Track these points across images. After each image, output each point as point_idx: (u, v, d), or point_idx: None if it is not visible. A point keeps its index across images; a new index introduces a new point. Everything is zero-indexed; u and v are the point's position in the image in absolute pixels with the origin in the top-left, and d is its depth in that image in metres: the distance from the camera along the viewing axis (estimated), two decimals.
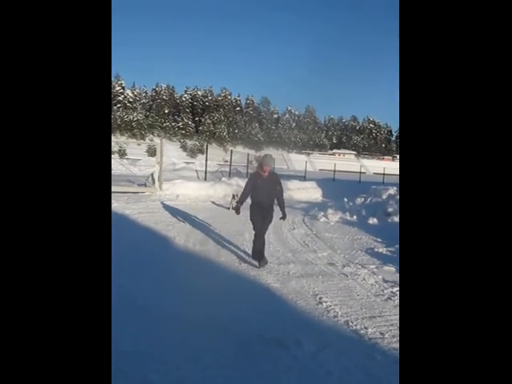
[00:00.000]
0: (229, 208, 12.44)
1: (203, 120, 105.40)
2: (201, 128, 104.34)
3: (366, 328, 3.79)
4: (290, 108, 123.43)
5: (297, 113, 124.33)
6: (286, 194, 18.85)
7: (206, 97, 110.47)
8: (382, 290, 5.01)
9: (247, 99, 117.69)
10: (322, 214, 11.30)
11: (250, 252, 6.55)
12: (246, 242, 7.56)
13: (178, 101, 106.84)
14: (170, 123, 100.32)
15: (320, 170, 71.06)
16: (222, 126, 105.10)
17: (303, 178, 27.09)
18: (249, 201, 6.35)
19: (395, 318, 4.07)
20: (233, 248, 6.86)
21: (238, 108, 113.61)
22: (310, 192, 20.64)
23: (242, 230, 8.68)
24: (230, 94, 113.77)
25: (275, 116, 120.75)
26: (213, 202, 13.72)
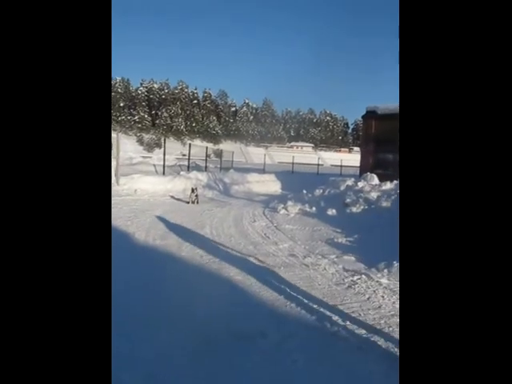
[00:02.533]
0: (188, 202, 12.34)
1: (160, 113, 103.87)
2: (157, 122, 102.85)
3: (328, 316, 3.85)
4: (247, 101, 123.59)
5: (254, 106, 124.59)
6: (245, 187, 19.02)
7: (163, 90, 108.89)
8: (343, 279, 5.11)
9: (204, 92, 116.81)
10: (282, 206, 11.39)
11: (211, 245, 6.54)
12: (207, 235, 7.54)
13: (133, 94, 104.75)
14: (126, 117, 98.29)
15: (279, 162, 71.51)
16: (180, 119, 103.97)
17: (262, 170, 27.21)
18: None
19: (356, 306, 4.18)
20: (193, 242, 6.80)
21: (196, 101, 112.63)
22: (270, 185, 20.82)
23: (202, 224, 8.64)
24: (187, 87, 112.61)
25: (233, 109, 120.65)
26: (172, 197, 13.57)
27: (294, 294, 4.40)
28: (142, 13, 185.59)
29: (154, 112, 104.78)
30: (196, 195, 12.57)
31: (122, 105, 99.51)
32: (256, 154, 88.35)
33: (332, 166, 63.78)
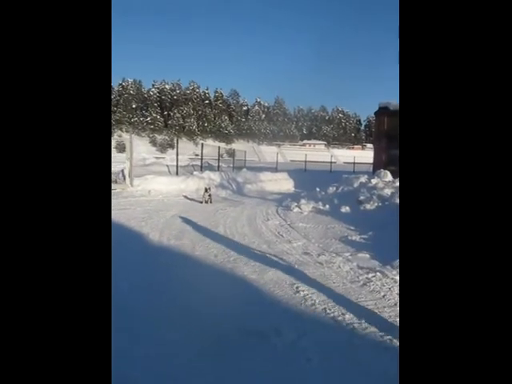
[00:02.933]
0: (201, 202, 12.37)
1: (172, 114, 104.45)
2: (170, 122, 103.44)
3: (343, 314, 3.84)
4: (259, 100, 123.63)
5: (266, 104, 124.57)
6: (258, 186, 19.03)
7: (174, 90, 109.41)
8: (358, 277, 5.08)
9: (216, 92, 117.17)
10: (295, 204, 11.37)
11: (225, 245, 6.56)
12: (221, 234, 7.56)
13: (145, 95, 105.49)
14: (139, 118, 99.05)
15: (291, 160, 71.38)
16: (192, 119, 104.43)
17: (275, 169, 27.19)
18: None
19: (371, 303, 4.15)
20: (208, 241, 6.83)
21: (207, 101, 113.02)
22: (282, 183, 20.80)
23: (215, 224, 8.67)
24: (199, 87, 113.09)
25: (245, 108, 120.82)
26: (185, 197, 13.63)
27: (309, 293, 4.39)
28: (154, 14, 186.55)
29: (166, 113, 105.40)
30: (209, 195, 12.61)
31: (134, 106, 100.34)
32: (269, 152, 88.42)
33: (345, 163, 63.48)
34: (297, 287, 4.55)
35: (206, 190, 12.62)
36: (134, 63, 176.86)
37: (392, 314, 3.89)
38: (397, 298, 4.31)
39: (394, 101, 23.77)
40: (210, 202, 12.40)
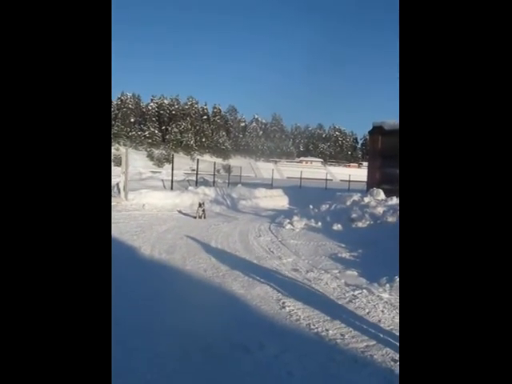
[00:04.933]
0: (195, 217, 12.43)
1: (170, 129, 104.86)
2: (167, 137, 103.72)
3: (327, 330, 3.90)
4: (256, 116, 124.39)
5: (264, 121, 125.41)
6: (252, 202, 19.06)
7: (173, 105, 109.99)
8: (344, 294, 5.16)
9: (214, 108, 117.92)
10: (288, 221, 11.45)
11: (215, 260, 6.63)
12: (212, 249, 7.62)
13: (143, 110, 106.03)
14: (136, 132, 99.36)
15: (288, 177, 71.62)
16: (189, 134, 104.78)
17: (270, 185, 27.31)
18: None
19: (355, 320, 4.22)
20: (199, 256, 6.89)
21: (205, 116, 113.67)
22: (277, 200, 20.88)
23: (208, 239, 8.73)
24: (197, 103, 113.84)
25: (242, 124, 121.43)
26: (179, 211, 13.70)
27: (294, 308, 4.45)
28: (153, 27, 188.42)
29: (164, 127, 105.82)
30: (203, 210, 12.64)
31: (132, 120, 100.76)
32: (265, 169, 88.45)
33: (341, 181, 63.67)
34: (283, 303, 4.62)
35: (200, 205, 12.62)
36: (133, 77, 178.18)
37: (373, 330, 3.96)
38: (381, 315, 4.39)
39: (388, 120, 24.02)
40: (204, 217, 12.45)
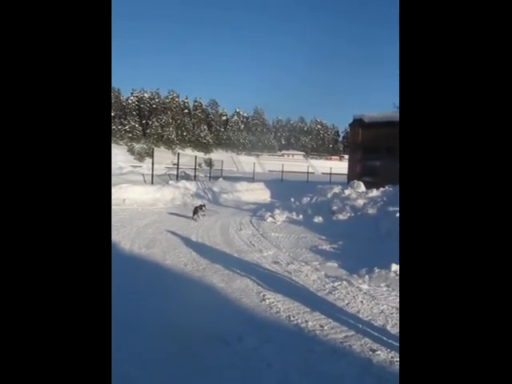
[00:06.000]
0: (195, 219, 10.85)
1: (150, 123, 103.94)
2: (148, 131, 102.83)
3: (306, 321, 3.93)
4: (238, 110, 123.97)
5: (245, 114, 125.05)
6: (234, 196, 19.05)
7: (153, 99, 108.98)
8: (324, 285, 5.19)
9: (195, 101, 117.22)
10: (269, 214, 11.47)
11: (196, 254, 6.61)
12: (192, 243, 7.59)
13: (124, 103, 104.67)
14: (117, 126, 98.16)
15: (269, 171, 71.80)
16: (170, 128, 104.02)
17: (252, 179, 27.29)
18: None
19: (335, 311, 4.26)
20: (179, 250, 6.86)
21: (186, 110, 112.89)
22: (259, 193, 20.89)
23: (188, 233, 8.70)
24: (178, 97, 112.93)
25: (224, 118, 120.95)
26: (161, 207, 13.61)
27: (274, 301, 4.47)
28: (132, 21, 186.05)
29: (144, 121, 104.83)
30: (203, 215, 11.05)
31: (112, 114, 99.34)
32: (247, 162, 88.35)
33: (323, 173, 63.99)
34: (263, 295, 4.63)
35: (201, 208, 10.99)
36: (113, 71, 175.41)
37: (352, 321, 4.00)
38: (360, 306, 4.43)
39: (368, 113, 24.25)
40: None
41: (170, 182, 17.51)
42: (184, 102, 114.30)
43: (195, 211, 10.93)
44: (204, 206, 11.02)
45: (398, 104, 10.46)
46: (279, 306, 4.33)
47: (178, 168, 21.15)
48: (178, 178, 19.97)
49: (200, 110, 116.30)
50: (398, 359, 3.23)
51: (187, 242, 7.72)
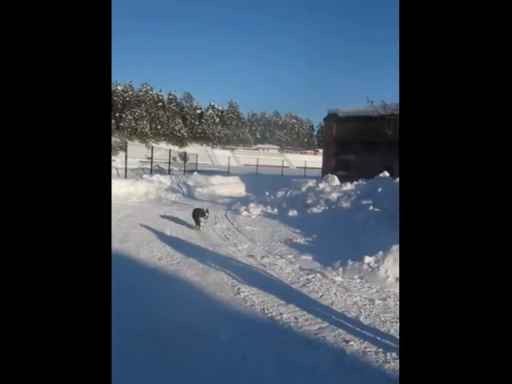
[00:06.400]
0: (197, 227, 8.70)
1: (124, 116, 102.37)
2: (122, 124, 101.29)
3: (281, 314, 3.95)
4: (213, 103, 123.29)
5: (220, 108, 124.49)
6: (209, 190, 18.95)
7: (127, 92, 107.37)
8: (298, 278, 5.23)
9: (170, 94, 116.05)
10: (244, 208, 11.47)
11: (169, 248, 6.56)
12: (167, 237, 7.53)
13: None
14: None
15: (244, 165, 71.77)
16: (144, 121, 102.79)
17: (227, 173, 27.23)
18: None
19: (309, 303, 4.29)
20: (153, 244, 6.80)
21: (161, 104, 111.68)
22: (234, 187, 20.87)
23: (162, 227, 8.62)
24: (152, 90, 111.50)
25: (198, 111, 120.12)
26: (134, 200, 13.44)
27: (249, 294, 4.47)
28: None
29: (117, 114, 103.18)
30: (205, 222, 8.83)
31: None
32: (222, 156, 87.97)
33: (298, 167, 64.30)
34: (238, 289, 4.63)
35: (204, 214, 8.62)
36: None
37: (326, 313, 4.04)
38: (333, 298, 4.48)
39: (342, 107, 24.47)
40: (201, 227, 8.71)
41: (144, 175, 17.29)
42: (158, 95, 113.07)
43: (196, 217, 8.70)
44: (207, 211, 8.84)
45: (371, 99, 10.53)
46: (254, 299, 4.34)
47: (152, 162, 20.92)
48: (152, 171, 19.74)
49: (174, 104, 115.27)
50: (390, 355, 3.29)
51: (161, 236, 7.66)
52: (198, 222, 8.58)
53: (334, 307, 4.23)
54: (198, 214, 8.66)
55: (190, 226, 8.89)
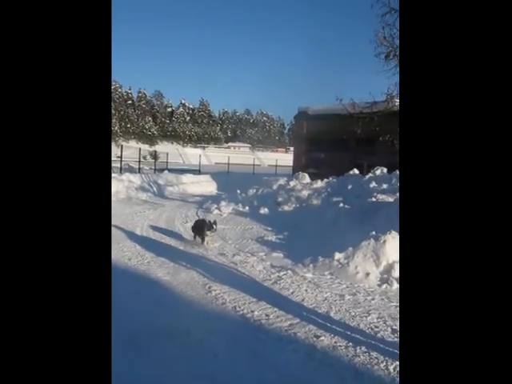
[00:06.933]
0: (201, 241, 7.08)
1: None
2: None
3: (252, 311, 3.97)
4: (183, 101, 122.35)
5: (191, 106, 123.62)
6: (180, 189, 18.83)
7: None
8: (269, 275, 5.26)
9: (139, 92, 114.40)
10: (215, 206, 11.45)
11: (140, 248, 6.49)
12: (137, 237, 7.45)
13: None
14: None
15: (216, 163, 71.47)
16: (113, 120, 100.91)
17: (198, 171, 27.09)
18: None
19: (280, 300, 4.32)
20: (123, 244, 6.71)
21: (130, 101, 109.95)
22: (205, 185, 20.80)
23: (133, 226, 8.52)
24: (121, 87, 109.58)
25: (169, 110, 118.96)
26: None
27: (220, 292, 4.48)
28: None
29: None
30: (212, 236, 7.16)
31: None
32: (193, 154, 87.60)
33: (269, 165, 64.56)
34: (209, 287, 4.63)
35: (212, 227, 6.82)
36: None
37: (297, 309, 4.08)
38: (304, 295, 4.53)
39: (313, 106, 24.68)
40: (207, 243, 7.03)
41: (113, 175, 17.01)
42: (127, 93, 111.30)
43: (200, 231, 6.99)
44: (215, 222, 7.03)
45: (340, 97, 10.56)
46: (225, 297, 4.34)
47: (121, 161, 20.63)
48: (121, 170, 19.46)
49: (144, 102, 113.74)
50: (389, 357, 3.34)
51: (131, 235, 7.57)
52: (202, 237, 6.87)
53: (305, 303, 4.28)
54: (202, 226, 6.95)
55: (160, 226, 8.82)
